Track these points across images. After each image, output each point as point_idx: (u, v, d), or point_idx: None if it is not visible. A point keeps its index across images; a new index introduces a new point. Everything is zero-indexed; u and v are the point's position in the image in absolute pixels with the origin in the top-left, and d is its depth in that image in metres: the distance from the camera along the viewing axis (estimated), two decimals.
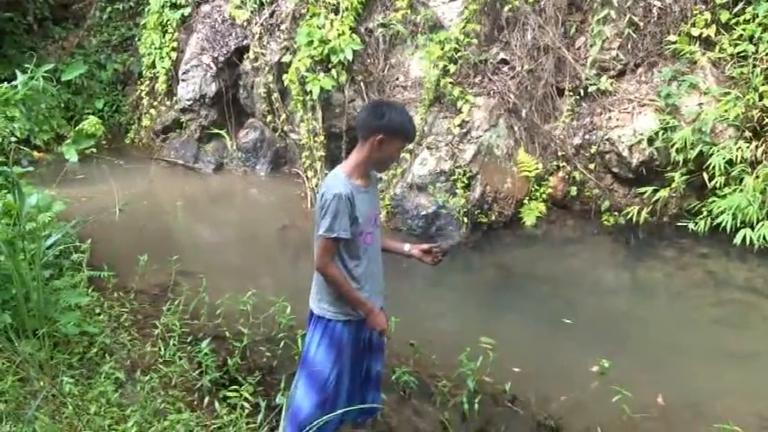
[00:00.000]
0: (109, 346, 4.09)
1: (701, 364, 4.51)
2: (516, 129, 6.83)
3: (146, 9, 9.85)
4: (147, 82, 9.95)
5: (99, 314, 4.55)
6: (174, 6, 9.21)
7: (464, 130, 6.68)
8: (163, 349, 4.15)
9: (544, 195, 6.66)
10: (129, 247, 5.96)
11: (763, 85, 5.99)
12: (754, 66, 6.11)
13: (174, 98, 9.34)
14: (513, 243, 6.44)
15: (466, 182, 6.52)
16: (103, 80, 10.70)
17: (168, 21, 9.29)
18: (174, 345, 4.19)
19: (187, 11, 9.14)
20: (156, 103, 9.81)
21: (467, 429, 3.64)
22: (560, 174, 6.80)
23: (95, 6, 11.13)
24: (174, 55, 9.28)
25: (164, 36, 9.39)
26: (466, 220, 6.45)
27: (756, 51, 6.11)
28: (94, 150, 9.11)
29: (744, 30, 6.21)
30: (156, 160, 9.35)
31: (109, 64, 10.69)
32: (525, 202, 6.65)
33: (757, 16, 6.15)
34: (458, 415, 3.74)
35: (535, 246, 6.47)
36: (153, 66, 9.64)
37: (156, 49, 9.47)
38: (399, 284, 5.38)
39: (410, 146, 6.83)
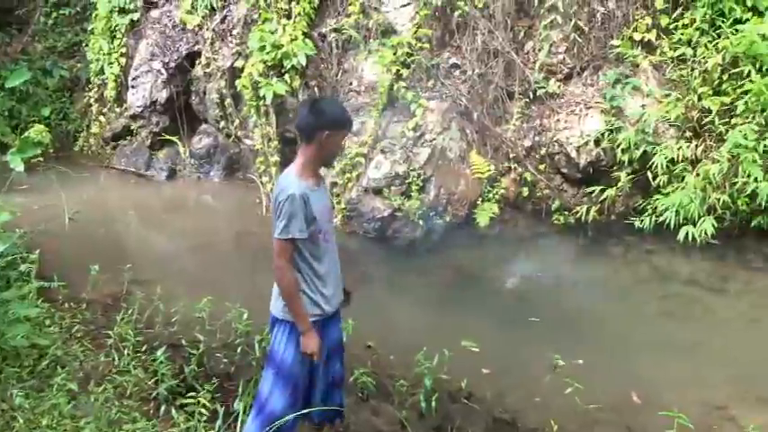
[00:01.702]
0: (60, 358, 4.02)
1: (649, 355, 4.69)
2: (468, 131, 6.95)
3: (93, 14, 9.65)
4: (96, 89, 9.75)
5: (50, 326, 4.46)
6: (123, 11, 9.06)
7: (417, 134, 6.77)
8: (117, 359, 4.11)
9: (497, 196, 6.79)
10: (79, 257, 5.85)
11: (701, 86, 6.24)
12: (693, 68, 6.36)
13: (124, 105, 9.18)
14: (468, 244, 6.55)
15: (420, 184, 6.61)
16: (50, 87, 10.44)
17: (117, 26, 9.14)
18: (128, 354, 4.14)
19: (136, 16, 9.00)
20: (105, 110, 9.63)
21: (425, 427, 3.70)
22: (512, 175, 6.95)
23: (40, 11, 10.86)
24: (123, 61, 9.13)
25: (112, 42, 9.23)
26: (421, 222, 6.53)
27: (695, 54, 6.36)
28: (41, 159, 8.86)
29: (682, 34, 6.46)
30: (106, 168, 9.17)
31: (55, 70, 10.43)
32: (479, 203, 6.76)
33: (695, 21, 6.40)
34: (416, 413, 3.80)
35: (489, 246, 6.59)
36: (101, 72, 9.46)
37: (104, 54, 9.30)
38: (356, 287, 5.39)
39: (365, 150, 6.91)
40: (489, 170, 6.78)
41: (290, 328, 3.01)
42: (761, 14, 6.03)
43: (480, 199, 6.79)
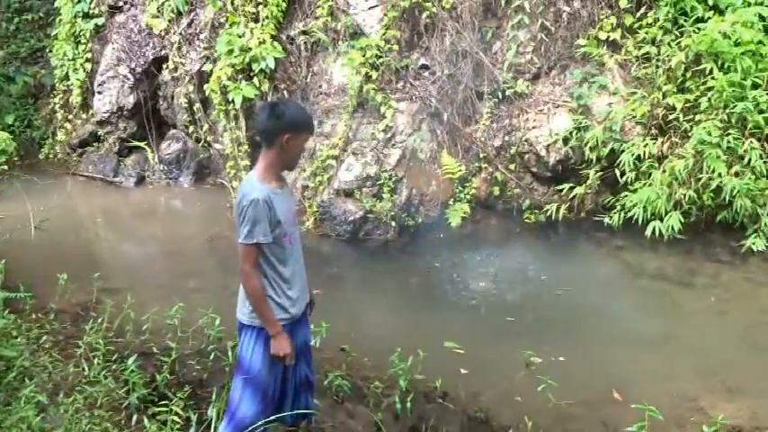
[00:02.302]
0: (28, 370, 3.92)
1: (621, 349, 4.75)
2: (439, 132, 6.99)
3: (56, 19, 9.48)
4: (61, 95, 9.59)
5: (16, 337, 4.35)
6: (87, 16, 8.91)
7: (388, 135, 6.78)
8: (87, 369, 4.02)
9: (468, 196, 6.84)
10: (46, 266, 5.73)
11: (665, 84, 6.36)
12: (657, 67, 6.49)
13: (91, 111, 9.04)
14: (441, 244, 6.58)
15: (392, 186, 6.62)
16: (13, 94, 10.24)
17: (81, 31, 8.99)
18: (98, 364, 4.06)
19: (101, 21, 8.87)
20: (71, 117, 9.46)
21: (400, 428, 3.70)
22: (483, 174, 7.00)
23: (2, 17, 10.64)
24: (88, 66, 8.98)
25: (77, 47, 9.08)
26: (393, 223, 6.54)
27: (659, 53, 6.48)
28: (6, 167, 8.67)
29: (647, 33, 6.58)
30: (73, 176, 9.01)
31: (18, 77, 10.19)
32: (450, 203, 6.80)
33: (658, 20, 6.53)
34: (391, 414, 3.79)
35: (462, 246, 6.62)
36: (66, 78, 9.30)
37: (69, 60, 9.14)
38: (329, 289, 5.40)
39: (336, 152, 6.90)
40: (460, 170, 6.83)
41: (256, 333, 2.98)
42: (722, 13, 6.17)
43: (452, 199, 6.82)
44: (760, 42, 5.91)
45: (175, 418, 3.33)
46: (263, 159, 2.93)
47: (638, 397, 3.78)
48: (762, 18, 6.01)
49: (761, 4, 6.06)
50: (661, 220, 5.99)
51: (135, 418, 3.61)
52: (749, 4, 6.04)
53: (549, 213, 6.70)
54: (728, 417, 3.76)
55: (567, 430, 3.79)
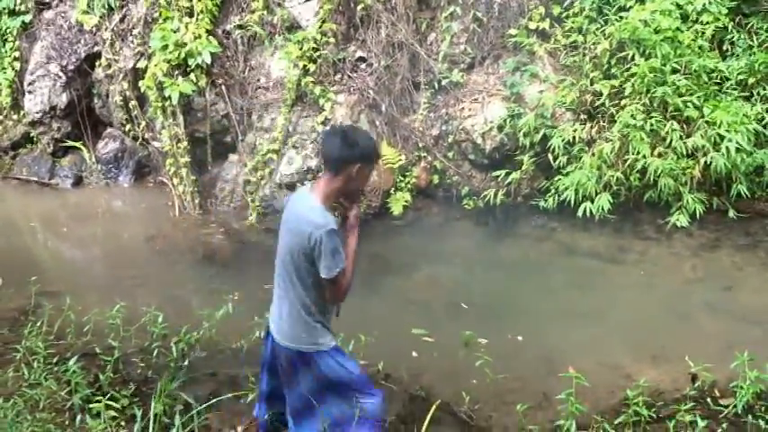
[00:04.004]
0: None
1: (555, 324, 5.01)
2: (378, 123, 7.10)
3: None
4: None
5: None
6: (13, 13, 8.62)
7: (328, 127, 6.85)
8: (27, 373, 3.98)
9: (409, 185, 6.98)
10: None
11: (592, 71, 6.62)
12: (584, 54, 6.75)
13: (22, 111, 8.76)
14: (384, 233, 6.70)
15: None
16: None
17: (7, 29, 8.68)
18: (38, 367, 4.02)
19: (28, 18, 8.58)
20: (1, 118, 9.14)
21: None
22: (422, 164, 7.15)
23: None
24: (17, 65, 8.69)
25: (3, 45, 8.78)
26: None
27: (585, 41, 6.74)
28: None
29: (573, 22, 6.84)
30: (5, 179, 8.73)
31: None
32: (392, 192, 6.92)
33: (584, 9, 6.80)
34: None
35: (404, 234, 6.77)
36: None
37: None
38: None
39: (276, 146, 6.93)
40: (400, 160, 6.96)
41: (330, 353, 3.01)
42: (643, 2, 6.45)
43: (393, 188, 6.95)
44: (677, 29, 6.22)
45: (113, 413, 3.34)
46: (327, 186, 2.85)
47: (575, 368, 4.00)
48: (679, 6, 6.32)
49: None
50: (592, 201, 6.25)
51: (79, 418, 3.61)
52: None
53: (487, 199, 6.89)
54: (652, 381, 4.02)
55: (504, 401, 3.98)
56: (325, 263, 2.80)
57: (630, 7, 6.46)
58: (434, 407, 3.48)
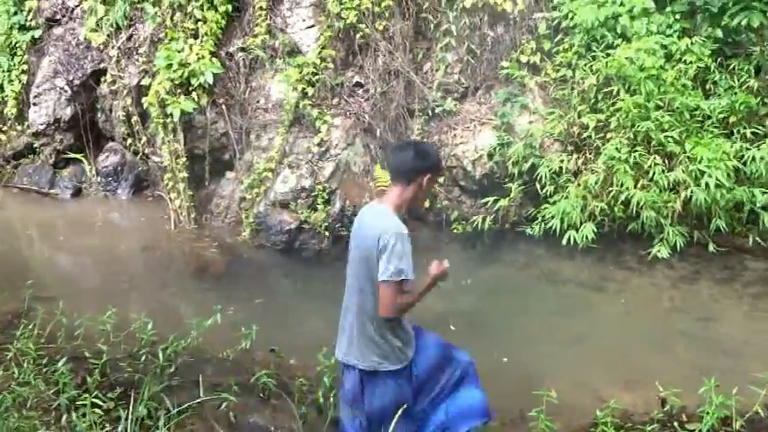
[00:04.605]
0: None
1: (537, 347, 5.15)
2: (372, 147, 7.30)
3: None
4: None
5: None
6: (24, 28, 8.90)
7: (323, 149, 7.05)
8: (17, 372, 4.08)
9: None
10: None
11: (580, 105, 6.86)
12: (573, 88, 7.00)
13: (26, 123, 8.98)
14: None
15: (326, 197, 6.88)
16: None
17: (17, 43, 8.96)
18: (28, 367, 4.13)
19: (38, 33, 8.86)
20: (5, 128, 9.36)
21: (323, 421, 3.93)
22: None
23: None
24: (24, 78, 8.94)
25: (12, 58, 9.03)
26: (327, 233, 6.79)
27: (574, 76, 7.00)
28: None
29: (563, 57, 7.10)
30: (6, 187, 8.90)
31: None
32: None
33: (573, 46, 7.07)
34: (315, 409, 4.02)
35: None
36: (1, 89, 9.21)
37: (3, 72, 9.08)
38: (267, 295, 5.62)
39: (272, 165, 7.12)
40: None
41: (394, 375, 3.07)
42: (629, 40, 6.71)
43: None
44: (661, 68, 6.46)
45: (98, 411, 3.45)
46: (399, 197, 3.00)
47: (553, 388, 4.13)
48: (663, 46, 6.57)
49: (662, 33, 6.64)
50: (577, 230, 6.41)
51: (65, 417, 3.71)
52: (651, 33, 6.60)
53: (475, 225, 7.06)
54: (623, 404, 4.14)
55: None
56: (386, 264, 2.78)
57: (617, 45, 6.71)
58: None
